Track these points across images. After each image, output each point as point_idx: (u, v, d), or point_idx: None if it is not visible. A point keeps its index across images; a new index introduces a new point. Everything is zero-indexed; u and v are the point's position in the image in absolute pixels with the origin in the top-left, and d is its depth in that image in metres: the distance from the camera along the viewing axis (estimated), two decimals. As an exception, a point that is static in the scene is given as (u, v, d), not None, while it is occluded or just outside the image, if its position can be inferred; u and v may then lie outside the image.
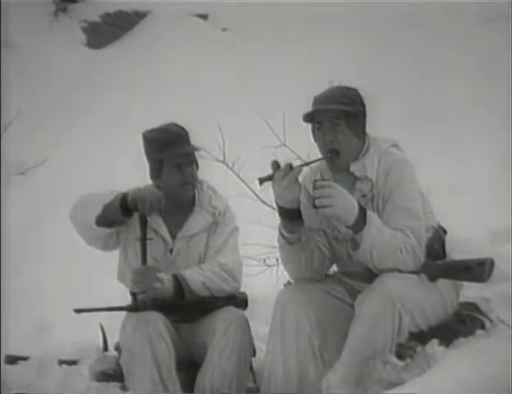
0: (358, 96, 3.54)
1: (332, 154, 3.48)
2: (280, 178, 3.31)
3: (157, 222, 3.78)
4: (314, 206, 3.31)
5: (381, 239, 3.28)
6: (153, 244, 3.72)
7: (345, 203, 3.27)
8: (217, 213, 3.82)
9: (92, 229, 3.68)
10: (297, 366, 3.36)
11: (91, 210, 3.66)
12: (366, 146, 3.52)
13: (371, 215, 3.31)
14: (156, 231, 3.77)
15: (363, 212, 3.29)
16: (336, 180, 3.51)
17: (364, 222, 3.27)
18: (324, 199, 3.27)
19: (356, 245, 3.33)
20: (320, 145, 3.53)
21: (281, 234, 3.44)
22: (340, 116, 3.46)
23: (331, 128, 3.47)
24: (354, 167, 3.48)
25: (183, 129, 3.80)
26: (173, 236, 3.79)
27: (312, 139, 3.57)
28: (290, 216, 3.38)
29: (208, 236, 3.79)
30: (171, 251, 3.78)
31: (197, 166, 3.84)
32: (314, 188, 3.30)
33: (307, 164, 3.46)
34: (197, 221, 3.80)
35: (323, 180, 3.41)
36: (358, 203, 3.31)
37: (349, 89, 3.56)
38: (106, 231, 3.71)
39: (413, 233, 3.35)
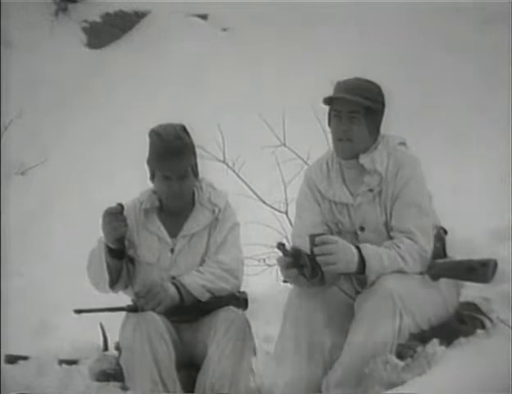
0: (381, 93, 3.56)
1: (344, 142, 3.49)
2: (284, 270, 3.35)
3: (154, 224, 3.79)
4: (314, 260, 3.26)
5: (383, 264, 3.29)
6: (150, 246, 3.74)
7: (346, 255, 3.26)
8: (216, 210, 3.80)
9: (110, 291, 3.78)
10: (307, 367, 3.34)
11: (103, 282, 3.73)
12: (376, 141, 3.54)
13: (365, 248, 3.30)
14: (152, 233, 3.78)
15: (359, 251, 3.28)
16: (342, 168, 3.54)
17: (363, 260, 3.26)
18: (327, 256, 3.24)
19: (363, 282, 3.32)
20: (333, 131, 3.54)
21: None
22: (359, 110, 3.48)
23: (348, 119, 3.48)
24: (364, 160, 3.49)
25: (183, 140, 3.73)
26: (174, 236, 3.78)
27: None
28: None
29: (209, 234, 3.79)
30: (172, 251, 3.78)
31: (195, 175, 3.79)
32: (314, 245, 3.25)
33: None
34: (197, 219, 3.79)
35: (321, 234, 3.33)
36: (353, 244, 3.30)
37: (373, 83, 3.57)
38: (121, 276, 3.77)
39: (422, 232, 3.37)
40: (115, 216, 3.66)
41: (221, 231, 3.78)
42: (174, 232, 3.79)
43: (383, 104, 3.56)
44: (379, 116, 3.55)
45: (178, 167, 3.71)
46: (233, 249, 3.77)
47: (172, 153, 3.69)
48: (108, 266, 3.68)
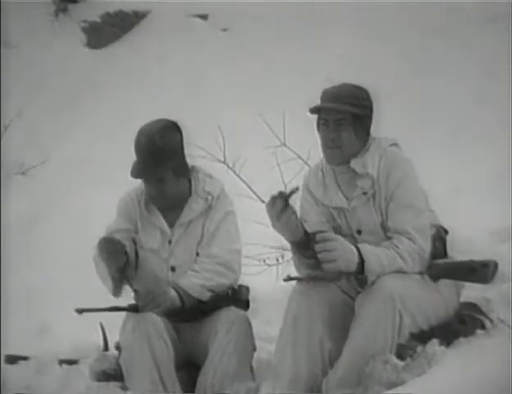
0: (368, 98, 3.55)
1: (333, 150, 3.49)
2: (275, 217, 3.28)
3: (155, 215, 3.79)
4: (315, 257, 3.27)
5: (382, 264, 3.30)
6: (150, 236, 3.75)
7: (347, 253, 3.27)
8: (210, 198, 3.78)
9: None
10: (306, 367, 3.34)
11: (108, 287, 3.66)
12: (367, 144, 3.53)
13: (364, 249, 3.31)
14: (153, 223, 3.78)
15: (358, 250, 3.30)
16: (336, 174, 3.55)
17: (362, 259, 3.28)
18: (327, 253, 3.25)
19: (363, 282, 3.32)
20: (322, 139, 3.54)
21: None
22: (346, 118, 3.48)
23: (336, 127, 3.48)
24: (355, 164, 3.49)
25: (157, 145, 3.66)
26: (172, 226, 3.78)
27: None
28: (303, 246, 3.36)
29: (203, 222, 3.77)
30: (170, 242, 3.77)
31: (180, 176, 3.74)
32: (315, 242, 3.27)
33: (290, 195, 3.29)
34: (192, 208, 3.78)
35: (323, 231, 3.35)
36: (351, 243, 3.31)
37: (360, 89, 3.56)
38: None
39: (419, 232, 3.37)
40: (107, 252, 3.51)
41: (214, 219, 3.76)
42: (172, 222, 3.79)
43: (371, 109, 3.55)
44: (367, 120, 3.54)
45: (148, 173, 3.71)
46: (226, 239, 3.74)
47: (142, 159, 3.70)
48: (114, 278, 3.60)
